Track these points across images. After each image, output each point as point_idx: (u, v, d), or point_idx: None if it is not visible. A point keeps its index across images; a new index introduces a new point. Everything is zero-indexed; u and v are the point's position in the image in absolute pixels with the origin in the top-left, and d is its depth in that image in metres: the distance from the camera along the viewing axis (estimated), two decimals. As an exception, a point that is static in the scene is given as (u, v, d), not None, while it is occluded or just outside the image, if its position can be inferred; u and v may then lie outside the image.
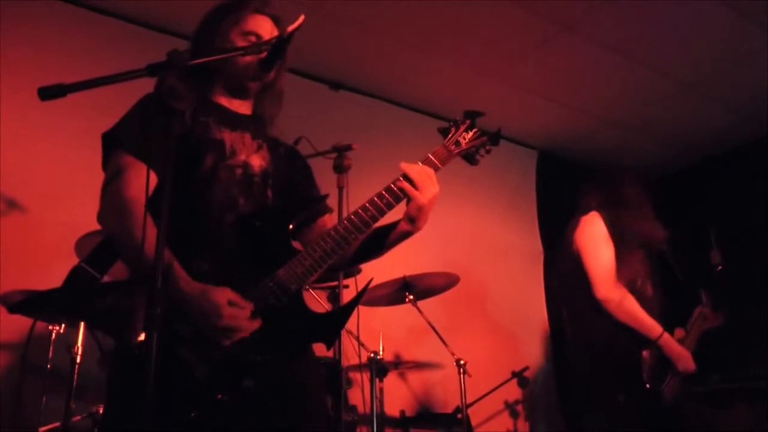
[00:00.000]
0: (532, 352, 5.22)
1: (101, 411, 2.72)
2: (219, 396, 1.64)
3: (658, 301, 3.24)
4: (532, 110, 5.39)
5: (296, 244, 1.93)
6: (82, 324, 2.85)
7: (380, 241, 1.98)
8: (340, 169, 3.24)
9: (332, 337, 1.89)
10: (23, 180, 3.48)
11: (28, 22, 3.83)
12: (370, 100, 5.11)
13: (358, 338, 3.41)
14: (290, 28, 1.75)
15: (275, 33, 2.01)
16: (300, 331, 1.81)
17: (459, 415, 3.79)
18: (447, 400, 4.37)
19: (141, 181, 1.65)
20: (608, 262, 3.11)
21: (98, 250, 1.96)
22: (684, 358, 3.15)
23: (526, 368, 4.54)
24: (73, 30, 4.00)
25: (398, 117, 5.19)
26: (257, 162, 1.97)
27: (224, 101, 2.05)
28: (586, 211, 3.28)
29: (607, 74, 4.87)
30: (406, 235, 1.94)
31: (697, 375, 3.24)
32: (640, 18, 4.23)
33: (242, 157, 1.93)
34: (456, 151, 2.00)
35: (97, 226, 2.81)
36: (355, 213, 1.84)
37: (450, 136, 2.01)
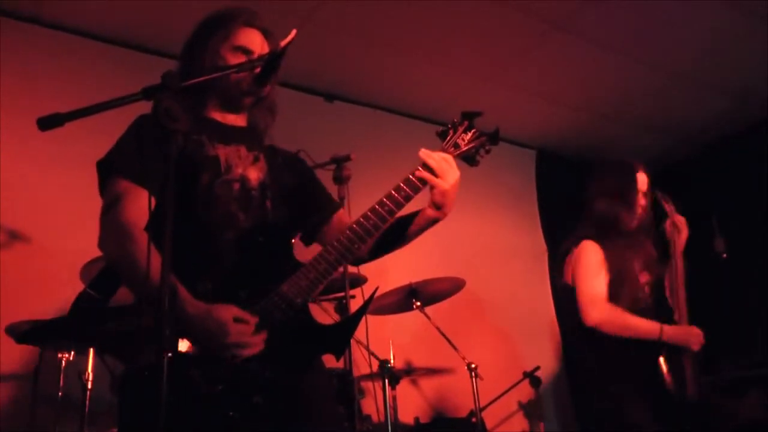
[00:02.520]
0: (542, 352, 5.20)
1: (115, 436, 2.72)
2: (230, 413, 1.63)
3: (664, 308, 3.21)
4: (528, 110, 5.40)
5: (317, 246, 1.92)
6: (92, 350, 2.84)
7: (402, 231, 1.98)
8: (339, 180, 3.25)
9: (341, 348, 1.89)
10: (25, 209, 3.49)
11: (24, 52, 3.85)
12: (366, 109, 5.11)
13: (368, 347, 3.41)
14: (283, 43, 1.75)
15: (265, 46, 2.01)
16: (308, 344, 1.80)
17: (473, 419, 3.78)
18: (460, 405, 4.35)
19: (138, 205, 1.71)
20: (597, 284, 3.06)
21: (102, 276, 1.97)
22: (692, 336, 3.10)
23: (538, 368, 4.52)
24: (69, 57, 4.01)
25: (395, 125, 5.20)
26: (254, 174, 1.95)
27: (217, 116, 2.03)
28: (577, 242, 3.25)
29: (601, 69, 4.88)
30: (433, 221, 1.95)
31: (707, 363, 3.21)
32: (629, 12, 4.24)
33: (239, 171, 1.91)
34: (455, 153, 1.98)
35: (100, 252, 2.82)
36: (369, 212, 1.83)
37: (448, 138, 1.99)
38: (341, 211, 2.16)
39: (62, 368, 2.86)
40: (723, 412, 3.44)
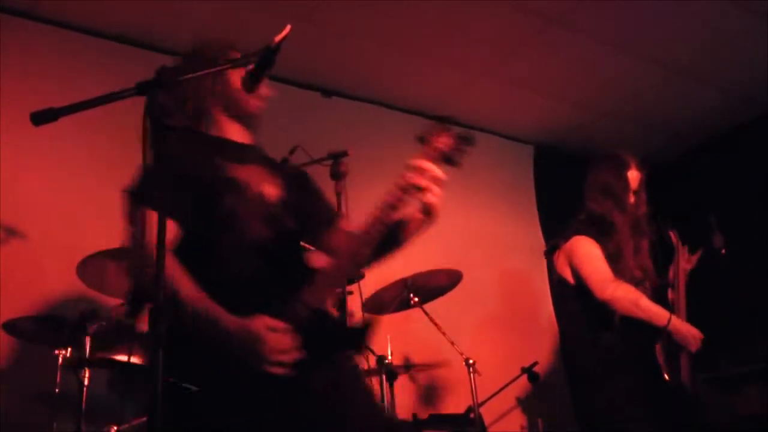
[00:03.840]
0: (540, 347, 5.20)
1: (113, 432, 2.72)
2: (277, 420, 1.70)
3: (650, 279, 3.22)
4: (525, 105, 5.39)
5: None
6: (88, 346, 2.83)
7: (397, 236, 2.05)
8: (336, 175, 3.24)
9: (362, 344, 1.99)
10: (21, 206, 3.48)
11: (21, 50, 3.83)
12: (363, 105, 5.10)
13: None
14: (278, 38, 1.74)
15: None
16: (334, 343, 1.90)
17: (471, 415, 3.77)
18: (458, 400, 4.36)
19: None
20: (602, 266, 3.08)
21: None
22: (692, 338, 3.11)
23: (536, 363, 4.51)
24: (67, 54, 4.00)
25: (392, 120, 5.18)
26: (272, 191, 2.03)
27: (229, 135, 2.10)
28: (567, 237, 3.25)
29: (599, 65, 4.87)
30: (425, 226, 2.03)
31: (706, 360, 3.22)
32: (627, 8, 4.24)
33: (258, 189, 1.99)
34: (436, 155, 2.01)
35: (98, 248, 2.83)
36: (371, 219, 1.89)
37: (429, 143, 2.03)
38: (341, 219, 2.24)
39: (59, 365, 2.86)
40: (721, 407, 3.45)
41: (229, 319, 1.71)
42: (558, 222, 3.30)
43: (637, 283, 3.11)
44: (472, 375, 3.75)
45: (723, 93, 5.37)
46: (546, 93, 5.24)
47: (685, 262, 3.40)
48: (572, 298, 3.18)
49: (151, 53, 4.21)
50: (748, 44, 4.69)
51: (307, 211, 2.14)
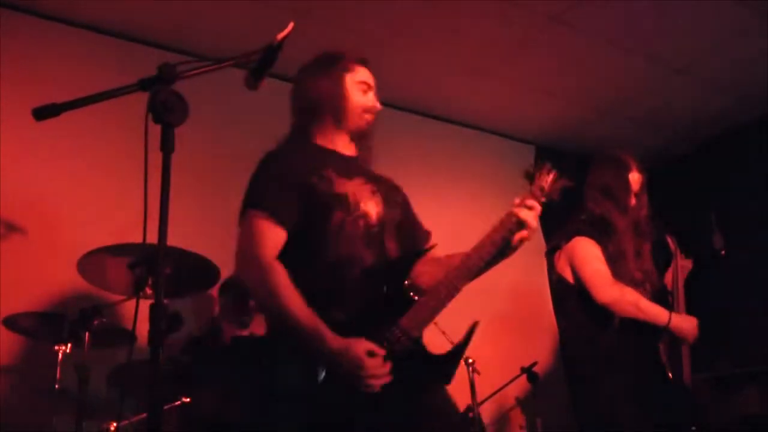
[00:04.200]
0: (540, 347, 5.20)
1: (112, 428, 2.72)
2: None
3: (652, 283, 3.23)
4: (526, 105, 5.39)
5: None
6: (87, 342, 2.83)
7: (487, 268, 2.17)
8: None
9: (451, 376, 2.04)
10: (23, 201, 3.48)
11: (25, 45, 3.84)
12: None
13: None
14: (280, 36, 1.74)
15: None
16: (425, 374, 1.98)
17: (470, 414, 3.78)
18: (457, 400, 4.34)
19: (274, 242, 1.94)
20: (602, 268, 3.09)
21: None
22: (693, 330, 3.11)
23: (535, 363, 4.51)
24: (68, 49, 4.01)
25: (392, 119, 5.17)
26: (374, 210, 2.10)
27: (335, 146, 2.20)
28: (568, 238, 3.25)
29: (601, 65, 4.87)
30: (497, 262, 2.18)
31: (706, 360, 3.22)
32: (629, 7, 4.23)
33: (363, 208, 2.06)
34: (540, 195, 2.20)
35: (98, 244, 2.83)
36: (472, 251, 2.07)
37: (535, 180, 2.23)
38: (430, 239, 2.34)
39: (59, 361, 2.86)
40: (720, 407, 3.46)
41: (333, 339, 1.81)
42: (558, 223, 3.29)
43: (636, 285, 3.11)
44: (471, 374, 3.75)
45: (723, 93, 5.36)
46: (547, 93, 5.23)
47: (681, 268, 3.40)
48: (572, 298, 3.17)
49: (154, 50, 4.22)
50: (748, 44, 4.68)
51: (405, 233, 2.22)
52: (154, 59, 1.54)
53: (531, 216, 2.06)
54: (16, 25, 3.82)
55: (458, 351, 2.04)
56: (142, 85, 1.46)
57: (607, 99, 5.38)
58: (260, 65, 1.85)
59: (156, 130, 1.44)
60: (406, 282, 2.03)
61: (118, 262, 2.84)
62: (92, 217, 3.55)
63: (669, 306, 3.25)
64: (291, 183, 2.00)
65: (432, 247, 2.23)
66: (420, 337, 1.95)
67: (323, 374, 1.82)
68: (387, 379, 1.83)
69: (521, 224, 2.05)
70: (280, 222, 1.94)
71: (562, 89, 5.21)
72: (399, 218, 2.21)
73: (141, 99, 1.45)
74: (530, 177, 2.22)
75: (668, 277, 3.38)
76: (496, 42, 4.56)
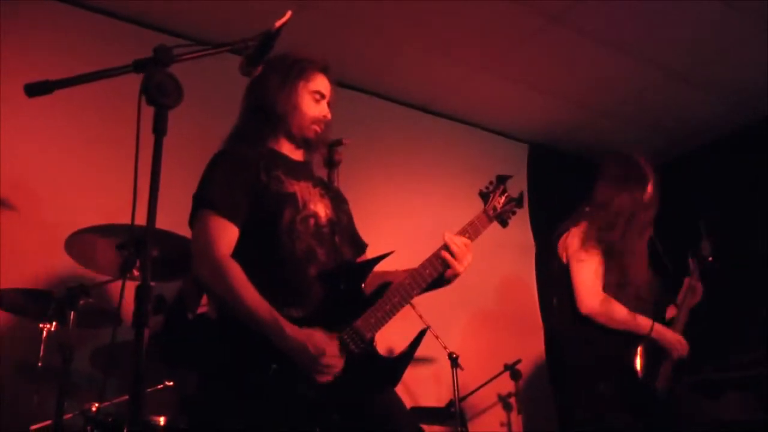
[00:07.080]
0: (524, 345, 5.21)
1: (94, 409, 2.71)
2: (314, 428, 1.87)
3: (652, 288, 3.25)
4: (522, 103, 5.39)
5: None
6: (72, 321, 2.82)
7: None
8: (330, 164, 3.23)
9: (398, 379, 2.10)
10: (12, 179, 3.46)
11: (19, 22, 3.79)
12: (360, 95, 5.08)
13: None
14: (278, 24, 1.75)
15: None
16: (374, 375, 2.04)
17: (452, 409, 3.79)
18: (440, 394, 4.38)
19: (228, 240, 1.98)
20: (591, 275, 3.12)
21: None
22: (679, 345, 3.16)
23: (519, 361, 4.54)
24: (66, 29, 3.95)
25: (389, 112, 5.17)
26: (323, 211, 2.17)
27: (286, 150, 2.26)
28: (576, 222, 3.28)
29: (596, 65, 4.87)
30: (439, 287, 2.26)
31: (689, 365, 3.25)
32: (626, 7, 4.23)
33: (312, 208, 2.13)
34: (492, 215, 2.31)
35: (86, 224, 2.82)
36: (409, 278, 2.14)
37: (489, 201, 2.32)
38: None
39: (43, 338, 2.85)
40: (701, 412, 3.48)
41: (291, 329, 1.88)
42: (549, 222, 3.32)
43: (630, 285, 3.14)
44: (454, 369, 3.76)
45: (720, 98, 5.37)
46: (543, 91, 5.23)
47: (693, 292, 3.44)
48: (568, 286, 3.21)
49: (151, 32, 4.19)
50: (747, 47, 4.69)
51: (348, 236, 2.30)
52: (152, 41, 1.53)
53: (461, 252, 2.15)
54: (13, 3, 3.78)
55: (406, 356, 2.10)
56: (137, 66, 1.45)
57: (603, 99, 5.38)
58: (257, 52, 1.85)
59: (149, 112, 1.44)
60: (363, 286, 2.09)
61: (106, 242, 2.83)
62: (82, 196, 3.53)
63: (662, 314, 3.28)
64: (241, 182, 2.05)
65: (390, 253, 2.27)
66: (372, 339, 2.04)
67: (274, 366, 1.87)
68: (340, 372, 1.92)
69: (446, 264, 2.14)
70: (233, 220, 1.99)
71: (559, 88, 5.21)
72: (346, 224, 2.30)
73: (136, 80, 1.44)
74: (485, 197, 2.31)
75: (680, 297, 3.42)
76: (494, 38, 4.54)
